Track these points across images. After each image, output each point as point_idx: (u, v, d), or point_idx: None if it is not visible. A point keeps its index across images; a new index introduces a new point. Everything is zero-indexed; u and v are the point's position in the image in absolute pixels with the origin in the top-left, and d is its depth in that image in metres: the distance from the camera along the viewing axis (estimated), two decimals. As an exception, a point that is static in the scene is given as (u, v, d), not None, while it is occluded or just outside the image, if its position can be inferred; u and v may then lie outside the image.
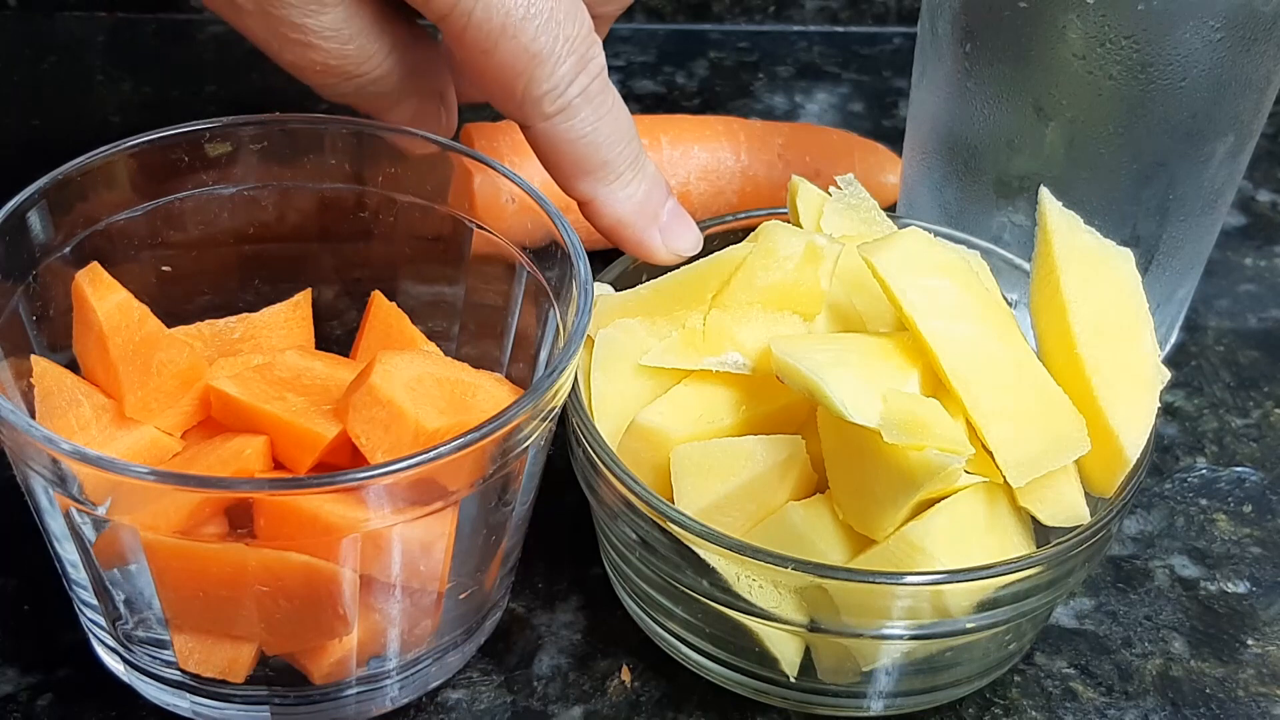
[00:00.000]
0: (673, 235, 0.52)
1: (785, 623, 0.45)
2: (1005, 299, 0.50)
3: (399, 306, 0.52)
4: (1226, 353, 0.64)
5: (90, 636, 0.48)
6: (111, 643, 0.47)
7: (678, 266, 0.51)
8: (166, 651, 0.45)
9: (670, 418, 0.48)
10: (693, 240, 0.53)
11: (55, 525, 0.44)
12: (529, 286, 0.51)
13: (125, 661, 0.47)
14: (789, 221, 0.52)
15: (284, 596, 0.43)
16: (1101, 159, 0.55)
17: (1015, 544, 0.47)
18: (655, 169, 0.52)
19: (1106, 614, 0.53)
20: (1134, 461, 0.47)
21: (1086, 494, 0.47)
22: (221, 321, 0.52)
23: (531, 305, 0.51)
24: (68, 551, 0.45)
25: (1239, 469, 0.59)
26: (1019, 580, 0.45)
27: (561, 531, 0.53)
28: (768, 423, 0.48)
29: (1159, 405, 0.47)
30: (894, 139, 0.67)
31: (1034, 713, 0.50)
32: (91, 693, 0.48)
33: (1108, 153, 0.54)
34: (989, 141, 0.56)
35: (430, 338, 0.52)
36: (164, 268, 0.52)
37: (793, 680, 0.48)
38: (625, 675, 0.50)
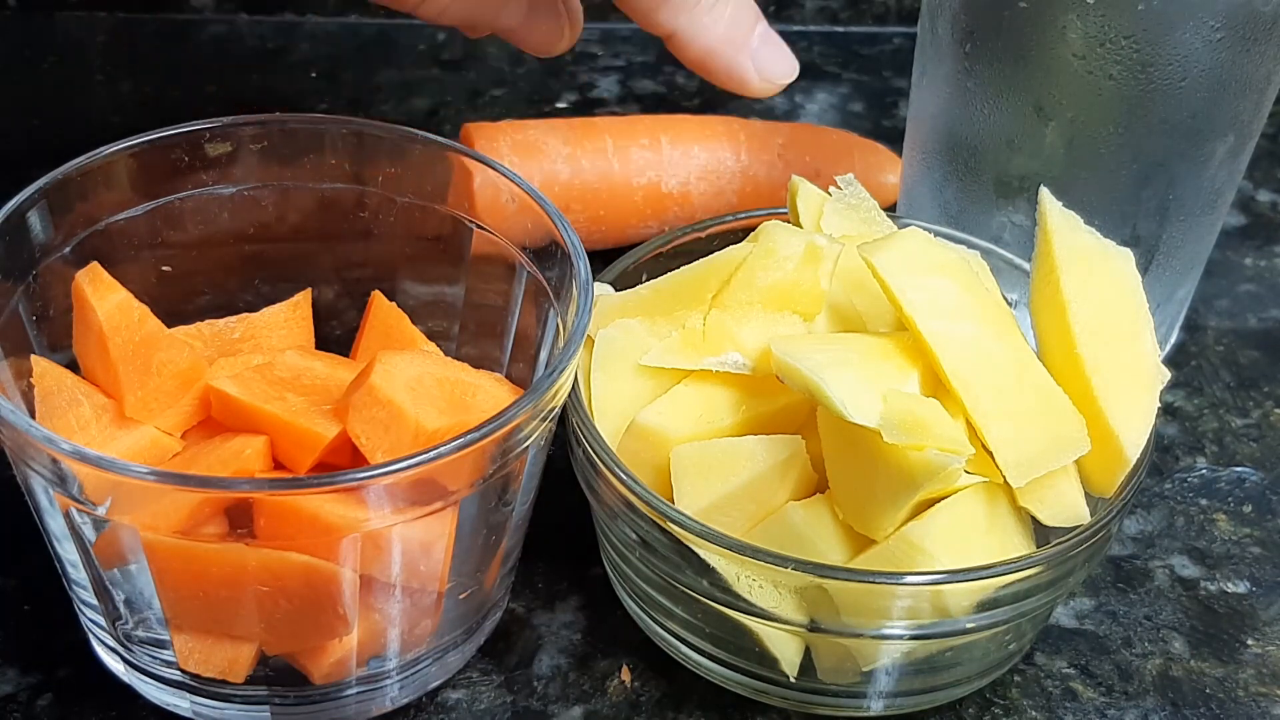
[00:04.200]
0: (766, 61, 0.49)
1: (785, 623, 0.46)
2: (1005, 299, 0.50)
3: (399, 306, 0.52)
4: (1226, 353, 0.64)
5: (90, 636, 0.48)
6: (111, 643, 0.47)
7: (692, 259, 0.51)
8: (166, 651, 0.45)
9: (670, 418, 0.48)
10: (789, 66, 0.49)
11: (55, 525, 0.44)
12: (529, 286, 0.51)
13: (125, 661, 0.47)
14: (789, 221, 0.52)
15: (284, 596, 0.43)
16: (1101, 159, 0.55)
17: (1015, 544, 0.47)
18: None
19: (1106, 614, 0.53)
20: (1134, 461, 0.47)
21: (1086, 494, 0.47)
22: (221, 321, 0.52)
23: (531, 305, 0.51)
24: (68, 551, 0.45)
25: (1239, 469, 0.59)
26: (1019, 580, 0.45)
27: (561, 531, 0.53)
28: (768, 423, 0.48)
29: (1159, 405, 0.47)
30: (894, 139, 0.67)
31: (1034, 713, 0.50)
32: (91, 693, 0.48)
33: (1108, 153, 0.54)
34: (989, 141, 0.56)
35: (430, 338, 0.52)
36: (164, 268, 0.52)
37: (793, 680, 0.48)
38: (625, 675, 0.50)
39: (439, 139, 0.52)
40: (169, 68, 0.76)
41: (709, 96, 0.77)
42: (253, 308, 0.52)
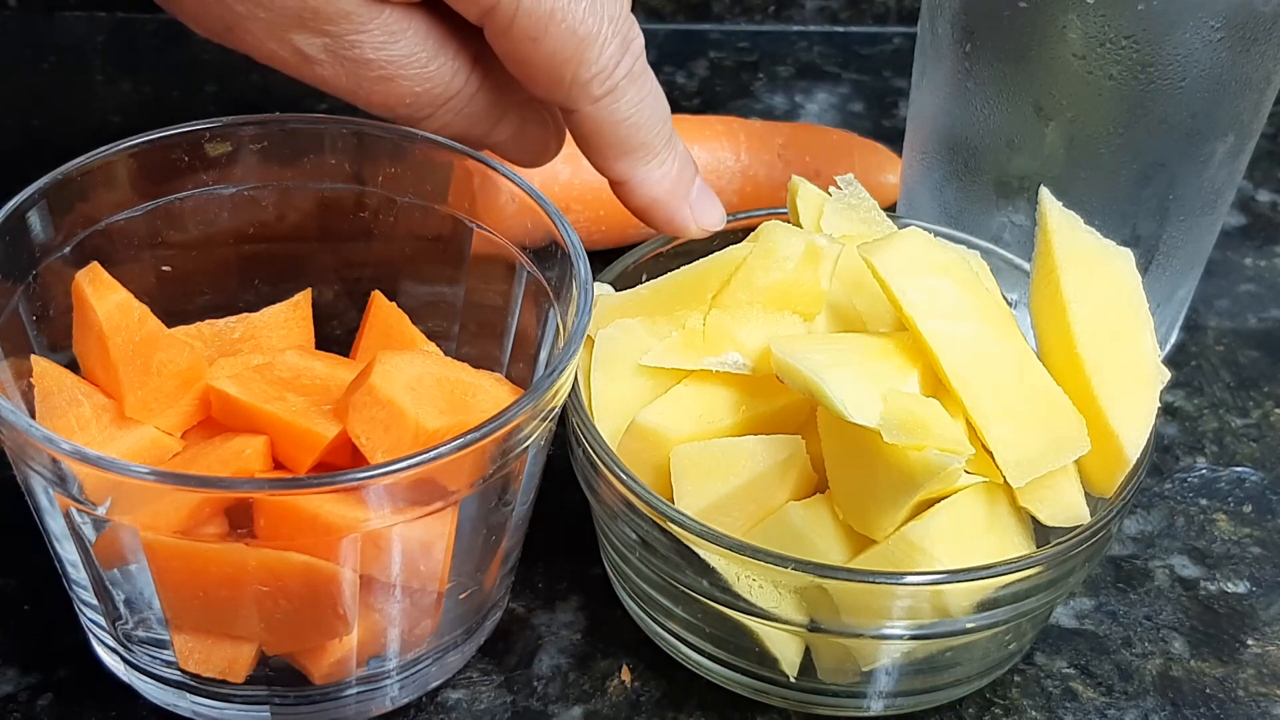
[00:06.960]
0: (701, 211, 0.53)
1: (785, 623, 0.46)
2: (1005, 299, 0.50)
3: (399, 306, 0.52)
4: (1226, 353, 0.64)
5: (90, 636, 0.48)
6: (111, 643, 0.47)
7: (692, 259, 0.51)
8: (166, 651, 0.45)
9: (670, 418, 0.48)
10: (719, 216, 0.53)
11: (55, 525, 0.44)
12: (529, 286, 0.51)
13: (125, 661, 0.47)
14: (789, 221, 0.53)
15: (284, 596, 0.43)
16: (1101, 159, 0.55)
17: (1015, 544, 0.47)
18: (684, 147, 0.52)
19: (1106, 614, 0.53)
20: (1134, 461, 0.47)
21: (1086, 494, 0.47)
22: (221, 321, 0.52)
23: (531, 305, 0.51)
24: (68, 551, 0.45)
25: (1239, 469, 0.59)
26: (1019, 580, 0.45)
27: (561, 531, 0.53)
28: (768, 423, 0.48)
29: (1159, 405, 0.47)
30: (894, 139, 0.67)
31: (1034, 713, 0.50)
32: (91, 693, 0.48)
33: (1108, 153, 0.54)
34: (989, 141, 0.56)
35: (430, 338, 0.52)
36: (164, 268, 0.52)
37: (793, 680, 0.48)
38: (625, 675, 0.50)
39: (439, 139, 0.52)
40: (169, 68, 0.76)
41: (709, 97, 0.77)
42: (253, 308, 0.52)
